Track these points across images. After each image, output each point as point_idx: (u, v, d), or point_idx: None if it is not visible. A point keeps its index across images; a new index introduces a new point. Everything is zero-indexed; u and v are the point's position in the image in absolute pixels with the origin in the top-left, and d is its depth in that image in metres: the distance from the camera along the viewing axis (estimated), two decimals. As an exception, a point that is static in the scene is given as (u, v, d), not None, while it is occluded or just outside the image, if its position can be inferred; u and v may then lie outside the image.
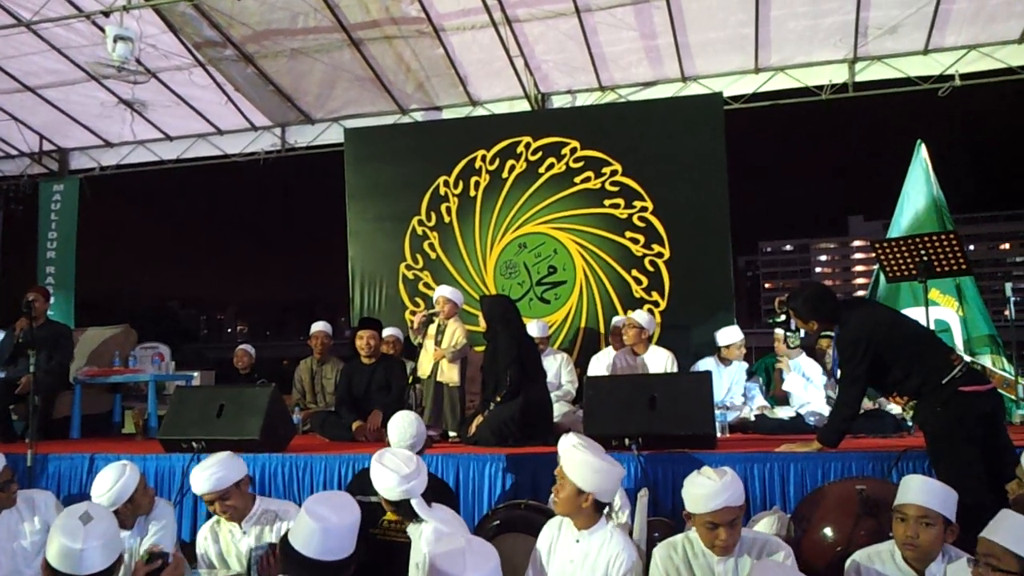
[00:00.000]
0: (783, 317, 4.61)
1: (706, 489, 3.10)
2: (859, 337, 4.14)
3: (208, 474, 3.74)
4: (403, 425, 4.37)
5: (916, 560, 3.10)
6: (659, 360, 6.63)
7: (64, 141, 10.67)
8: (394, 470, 3.56)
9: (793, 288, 4.67)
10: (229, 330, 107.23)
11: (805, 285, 4.74)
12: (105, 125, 10.22)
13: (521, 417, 5.46)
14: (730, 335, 6.78)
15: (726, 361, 6.78)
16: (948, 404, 3.90)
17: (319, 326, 7.65)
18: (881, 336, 4.11)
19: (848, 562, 3.25)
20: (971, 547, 2.98)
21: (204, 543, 3.88)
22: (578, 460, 3.34)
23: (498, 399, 5.54)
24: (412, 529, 3.61)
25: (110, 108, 9.72)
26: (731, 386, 6.72)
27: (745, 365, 6.90)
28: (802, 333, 4.84)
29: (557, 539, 3.39)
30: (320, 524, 2.67)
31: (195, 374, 8.40)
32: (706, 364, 6.76)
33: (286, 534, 2.78)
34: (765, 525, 3.98)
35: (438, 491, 3.94)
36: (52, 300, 8.59)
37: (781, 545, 3.20)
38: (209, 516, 4.99)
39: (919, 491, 3.13)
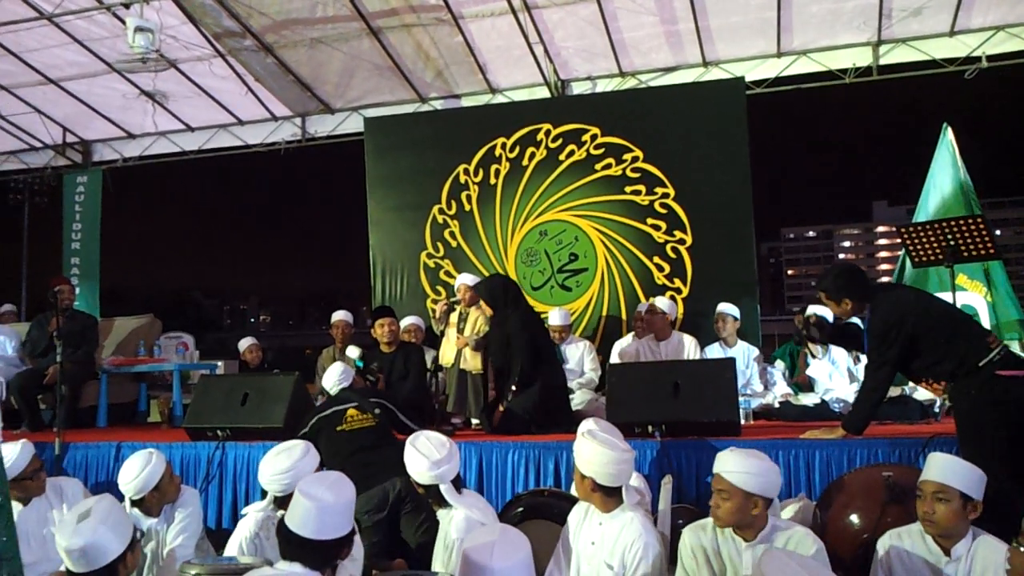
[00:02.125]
0: (811, 330, 4.59)
1: (722, 453, 3.21)
2: (891, 320, 4.06)
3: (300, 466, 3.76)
4: (331, 371, 5.16)
5: (940, 537, 3.10)
6: (684, 346, 6.61)
7: (87, 133, 10.76)
8: (425, 455, 3.57)
9: (820, 272, 4.60)
10: (252, 320, 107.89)
11: (834, 265, 4.67)
12: (127, 117, 10.29)
13: (541, 405, 5.44)
14: (721, 306, 6.84)
15: (727, 342, 6.77)
16: (983, 387, 3.82)
17: (340, 315, 7.69)
18: (913, 319, 4.02)
19: (879, 541, 3.25)
20: (994, 532, 2.96)
21: (256, 539, 3.75)
22: (576, 444, 3.40)
23: (514, 388, 5.50)
24: (442, 514, 3.62)
25: (132, 100, 9.78)
26: (743, 369, 6.67)
27: (754, 350, 6.85)
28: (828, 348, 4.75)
29: (584, 520, 3.41)
30: (315, 504, 2.67)
31: (219, 363, 8.45)
32: (713, 350, 6.73)
33: (282, 517, 2.78)
34: (789, 512, 3.96)
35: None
36: (78, 291, 8.68)
37: (814, 541, 3.10)
38: (236, 505, 5.06)
39: (938, 467, 3.14)
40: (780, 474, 3.14)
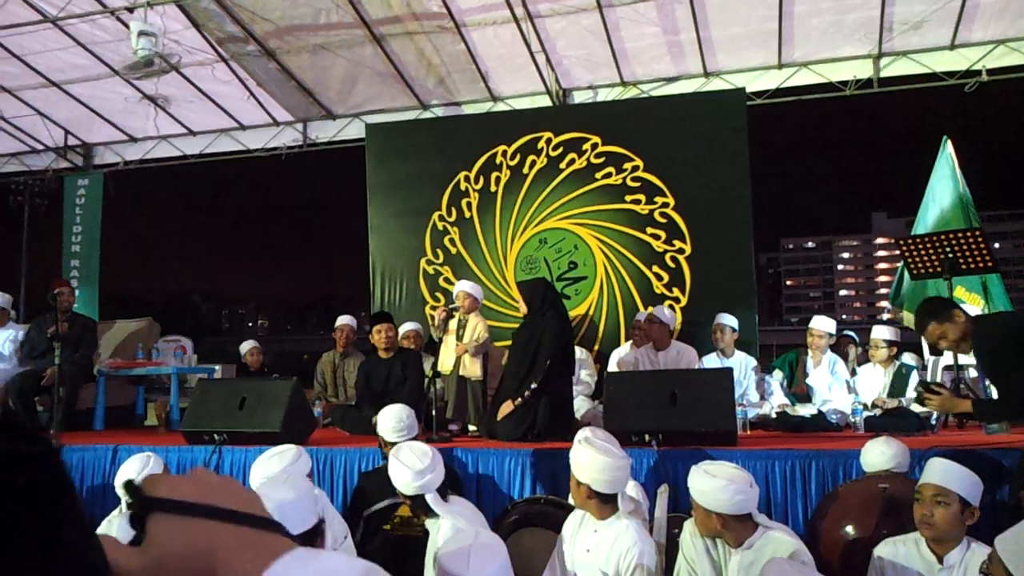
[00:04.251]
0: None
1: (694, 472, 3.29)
2: (1001, 329, 3.95)
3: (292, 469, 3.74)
4: (386, 416, 4.65)
5: (936, 543, 3.10)
6: (683, 356, 6.61)
7: (89, 136, 10.78)
8: (408, 465, 3.57)
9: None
10: (250, 324, 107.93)
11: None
12: (129, 120, 10.32)
13: (550, 413, 5.44)
14: (719, 316, 6.83)
15: (725, 353, 6.76)
16: None
17: (345, 319, 7.69)
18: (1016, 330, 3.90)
19: (876, 548, 3.26)
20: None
21: None
22: (573, 451, 3.41)
23: (534, 385, 5.48)
24: (430, 523, 3.62)
25: (134, 103, 9.82)
26: (740, 379, 6.67)
27: (752, 360, 6.84)
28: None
29: (579, 528, 3.42)
30: (276, 505, 2.69)
31: (217, 367, 8.48)
32: (710, 360, 6.73)
33: None
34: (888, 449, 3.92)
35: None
36: (77, 293, 8.69)
37: (794, 541, 3.12)
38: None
39: (937, 471, 3.14)
40: (744, 490, 3.14)
